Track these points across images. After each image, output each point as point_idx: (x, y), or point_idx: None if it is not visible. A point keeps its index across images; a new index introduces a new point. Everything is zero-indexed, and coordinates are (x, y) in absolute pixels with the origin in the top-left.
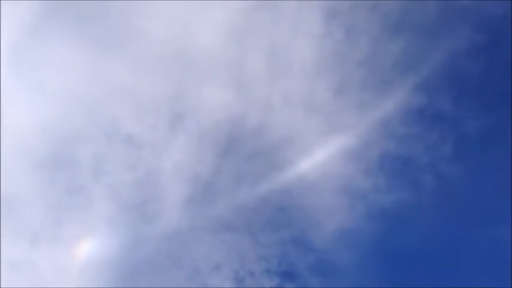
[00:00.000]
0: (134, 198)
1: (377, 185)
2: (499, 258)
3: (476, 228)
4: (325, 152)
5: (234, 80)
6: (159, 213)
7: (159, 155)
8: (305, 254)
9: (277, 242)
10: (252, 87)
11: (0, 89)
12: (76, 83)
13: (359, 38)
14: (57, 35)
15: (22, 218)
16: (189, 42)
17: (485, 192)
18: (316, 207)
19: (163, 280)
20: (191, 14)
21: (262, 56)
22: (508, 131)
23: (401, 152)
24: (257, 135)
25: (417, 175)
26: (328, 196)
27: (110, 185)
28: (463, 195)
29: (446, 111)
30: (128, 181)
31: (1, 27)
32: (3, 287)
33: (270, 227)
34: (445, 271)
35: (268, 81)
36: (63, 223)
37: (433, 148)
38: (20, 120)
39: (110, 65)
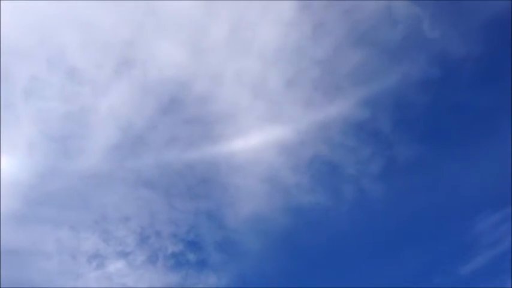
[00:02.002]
0: (61, 131)
1: (301, 183)
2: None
3: (381, 248)
4: (261, 138)
5: (193, 43)
6: (82, 151)
7: (97, 95)
8: (215, 229)
9: (191, 211)
10: (209, 55)
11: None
12: (32, 2)
13: (324, 37)
14: None
15: None
16: None
17: (398, 217)
18: (239, 188)
19: (68, 218)
20: None
21: (227, 28)
22: (435, 164)
23: (332, 158)
24: (200, 103)
25: (340, 184)
26: (253, 181)
27: (39, 111)
28: (378, 213)
29: (383, 132)
30: (59, 111)
31: None
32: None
33: (188, 195)
34: (341, 278)
35: (226, 54)
36: None
37: (362, 163)
38: None
39: None
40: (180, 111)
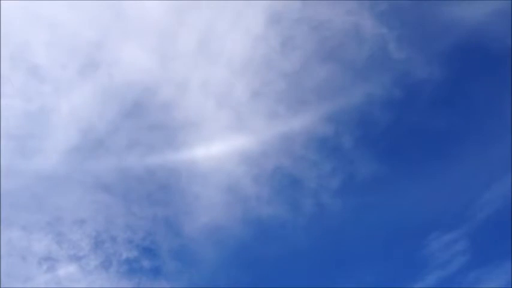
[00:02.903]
0: (20, 129)
1: (261, 194)
2: None
3: (335, 263)
4: (224, 148)
5: (161, 49)
6: (40, 152)
7: (59, 95)
8: (172, 236)
9: (149, 217)
10: (176, 62)
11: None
12: None
13: (292, 52)
14: None
15: None
16: None
17: (354, 233)
18: (198, 197)
19: (20, 218)
20: None
21: (196, 37)
22: (393, 183)
23: (293, 171)
24: (165, 110)
25: (300, 197)
26: (213, 190)
27: None
28: (335, 228)
29: (345, 148)
30: (19, 109)
31: None
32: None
33: (147, 201)
34: None
35: (193, 62)
36: None
37: (323, 178)
38: None
39: None
40: (143, 116)
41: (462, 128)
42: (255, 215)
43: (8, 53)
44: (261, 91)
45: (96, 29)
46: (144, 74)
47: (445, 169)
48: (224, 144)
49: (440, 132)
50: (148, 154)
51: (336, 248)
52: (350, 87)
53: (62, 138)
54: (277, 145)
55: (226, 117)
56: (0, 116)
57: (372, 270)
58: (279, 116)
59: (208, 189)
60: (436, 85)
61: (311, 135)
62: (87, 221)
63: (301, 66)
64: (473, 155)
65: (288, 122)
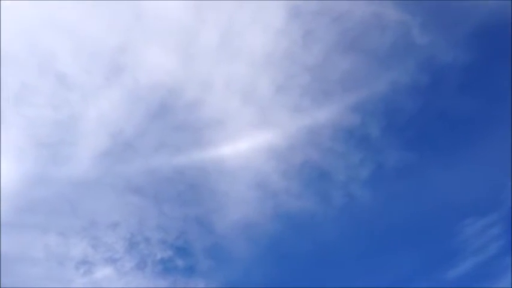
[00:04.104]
0: (50, 137)
1: (290, 188)
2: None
3: (368, 253)
4: (250, 144)
5: (183, 49)
6: (72, 158)
7: (87, 101)
8: (204, 235)
9: (180, 217)
10: (199, 61)
11: None
12: (21, 7)
13: (314, 44)
14: None
15: None
16: None
17: (386, 222)
18: (228, 194)
19: (57, 224)
20: None
21: (217, 35)
22: (424, 170)
23: (321, 164)
24: (190, 109)
25: (330, 189)
26: (242, 186)
27: (29, 117)
28: (366, 219)
29: (372, 138)
30: (49, 118)
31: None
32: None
33: (178, 201)
34: (329, 283)
35: (216, 60)
36: None
37: (352, 169)
38: None
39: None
40: (170, 117)
41: (490, 111)
42: (285, 209)
43: (35, 63)
44: (285, 85)
45: (118, 33)
46: (168, 75)
47: (475, 153)
48: (251, 140)
49: (468, 116)
50: (177, 154)
51: (368, 238)
52: (374, 76)
53: (92, 143)
54: (304, 138)
55: (251, 114)
56: (31, 125)
57: (407, 259)
58: (304, 109)
59: (237, 186)
60: (461, 69)
61: (337, 127)
62: (120, 223)
63: (324, 58)
64: (503, 137)
65: (314, 114)
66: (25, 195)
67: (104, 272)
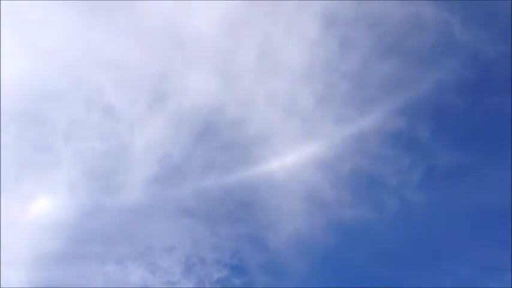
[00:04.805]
0: (101, 168)
1: (341, 199)
2: None
3: (432, 258)
4: (297, 157)
5: (222, 69)
6: (123, 186)
7: (134, 130)
8: (258, 251)
9: (233, 236)
10: (238, 80)
11: None
12: (65, 45)
13: (352, 51)
14: None
15: None
16: (183, 23)
17: (446, 224)
18: (279, 209)
19: (113, 252)
20: None
21: (254, 51)
22: (478, 170)
23: (371, 171)
24: (234, 128)
25: (382, 196)
26: (292, 200)
27: (79, 150)
28: (424, 223)
29: (421, 140)
30: (98, 150)
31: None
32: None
33: (229, 220)
34: None
35: (255, 77)
36: (25, 178)
37: (403, 173)
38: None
39: (102, 34)
40: (215, 137)
41: None
42: (338, 220)
43: (82, 98)
44: (326, 95)
45: (159, 60)
46: (210, 97)
47: None
48: (297, 153)
49: None
50: (225, 173)
51: (425, 243)
52: (418, 78)
53: (142, 170)
54: (351, 147)
55: (295, 127)
56: (82, 158)
57: (466, 263)
58: (348, 118)
59: (288, 200)
60: (507, 62)
61: (384, 132)
62: (175, 247)
63: (364, 65)
64: None
65: (358, 122)
66: (81, 227)
67: None
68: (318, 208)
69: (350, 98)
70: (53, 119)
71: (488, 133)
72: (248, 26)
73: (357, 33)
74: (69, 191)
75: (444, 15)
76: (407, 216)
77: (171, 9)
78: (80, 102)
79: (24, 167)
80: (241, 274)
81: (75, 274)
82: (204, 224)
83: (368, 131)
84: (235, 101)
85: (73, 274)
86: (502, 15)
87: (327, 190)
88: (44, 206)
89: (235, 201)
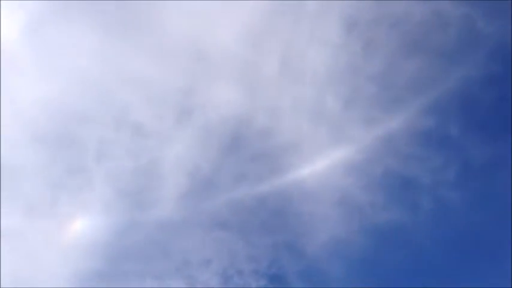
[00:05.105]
0: (133, 185)
1: (375, 201)
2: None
3: (471, 257)
4: (327, 162)
5: (247, 80)
6: (156, 202)
7: (163, 145)
8: (295, 259)
9: (269, 245)
10: (263, 89)
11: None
12: (91, 65)
13: (375, 52)
14: (77, 16)
15: (20, 189)
16: (206, 38)
17: (483, 221)
18: (312, 215)
19: (151, 268)
20: (211, 11)
21: (277, 60)
22: None
23: (403, 171)
24: (262, 137)
25: (416, 196)
26: (325, 205)
27: (111, 169)
28: (461, 221)
29: (453, 137)
30: (129, 168)
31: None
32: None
33: (263, 229)
34: None
35: (280, 85)
36: (60, 200)
37: (436, 172)
38: (28, 94)
39: (126, 52)
40: (244, 148)
41: None
42: (373, 223)
43: (111, 117)
44: (353, 98)
45: (184, 75)
46: (236, 107)
47: None
48: (327, 158)
49: None
50: (256, 183)
51: (463, 242)
52: (444, 75)
53: (173, 185)
54: (381, 148)
55: (323, 132)
56: (114, 177)
57: (507, 260)
58: (376, 120)
59: (321, 206)
60: None
61: (413, 132)
62: (212, 259)
63: (388, 65)
64: None
65: (387, 123)
66: (118, 244)
67: None
68: (352, 212)
69: (377, 100)
70: (84, 139)
71: None
72: (270, 35)
73: (379, 34)
74: (103, 210)
75: (465, 9)
76: (443, 215)
77: (194, 25)
78: (108, 122)
79: (58, 189)
80: (279, 283)
81: None
82: (239, 235)
83: (397, 131)
84: (262, 110)
85: None
86: None
87: (359, 194)
88: (80, 226)
89: (269, 210)
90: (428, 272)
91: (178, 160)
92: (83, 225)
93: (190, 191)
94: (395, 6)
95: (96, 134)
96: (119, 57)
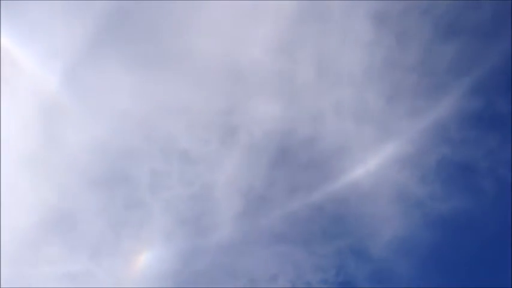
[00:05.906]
0: (190, 212)
1: (434, 192)
2: None
3: None
4: (379, 160)
5: (284, 91)
6: (214, 226)
7: (213, 169)
8: (362, 263)
9: (333, 252)
10: (303, 98)
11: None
12: (130, 102)
13: (410, 42)
14: (111, 56)
15: (81, 233)
16: (238, 56)
17: None
18: (372, 216)
19: None
20: (240, 29)
21: (312, 67)
22: None
23: (458, 157)
24: (309, 146)
25: (476, 181)
26: (384, 204)
27: (166, 200)
28: None
29: (504, 114)
30: (184, 196)
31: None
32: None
33: (325, 237)
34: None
35: (318, 91)
36: (121, 238)
37: (493, 152)
38: (76, 140)
39: (162, 83)
40: (292, 159)
41: None
42: (435, 215)
43: (158, 149)
44: (394, 93)
45: (222, 97)
46: (278, 120)
47: None
48: (378, 156)
49: None
50: (310, 192)
51: None
52: (484, 52)
53: (228, 206)
54: (431, 138)
55: (369, 131)
56: (170, 206)
57: None
58: (422, 109)
59: (379, 205)
60: None
61: (462, 115)
62: (278, 274)
63: (425, 53)
64: None
65: (433, 111)
66: (183, 272)
67: None
68: (412, 207)
69: (420, 89)
70: (136, 175)
71: None
72: (301, 42)
73: (411, 23)
74: (165, 240)
75: None
76: (506, 197)
77: (223, 45)
78: (156, 154)
79: (119, 227)
80: None
81: None
82: (301, 247)
83: (446, 117)
84: (304, 119)
85: None
86: None
87: (417, 187)
88: (145, 260)
89: (327, 217)
90: (500, 259)
91: (229, 181)
92: (147, 258)
93: (246, 209)
94: None
95: (147, 168)
96: (156, 89)
